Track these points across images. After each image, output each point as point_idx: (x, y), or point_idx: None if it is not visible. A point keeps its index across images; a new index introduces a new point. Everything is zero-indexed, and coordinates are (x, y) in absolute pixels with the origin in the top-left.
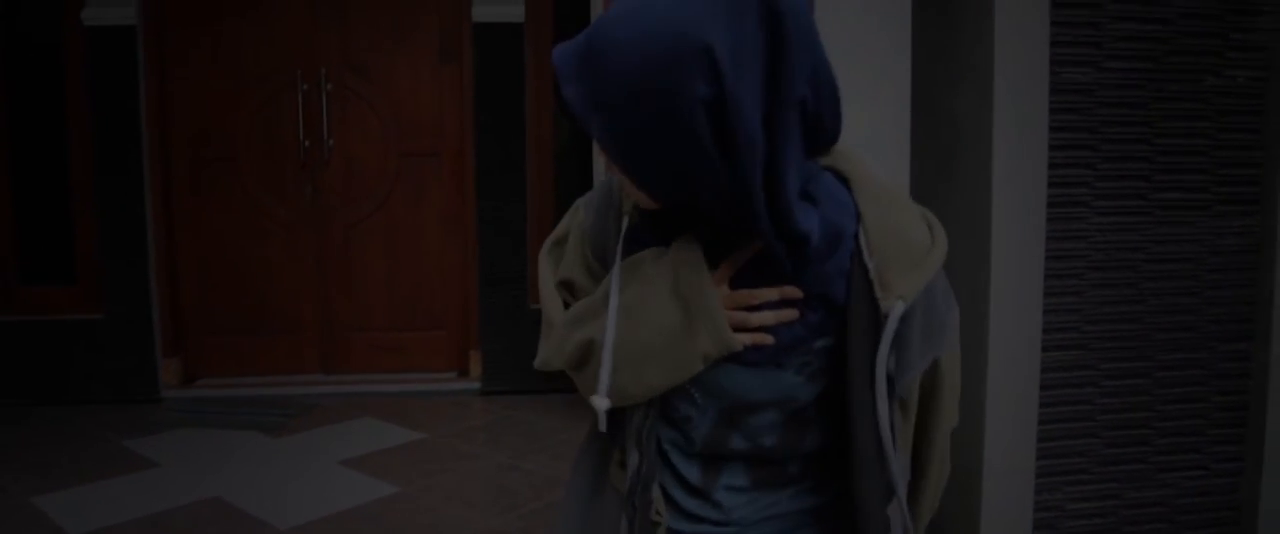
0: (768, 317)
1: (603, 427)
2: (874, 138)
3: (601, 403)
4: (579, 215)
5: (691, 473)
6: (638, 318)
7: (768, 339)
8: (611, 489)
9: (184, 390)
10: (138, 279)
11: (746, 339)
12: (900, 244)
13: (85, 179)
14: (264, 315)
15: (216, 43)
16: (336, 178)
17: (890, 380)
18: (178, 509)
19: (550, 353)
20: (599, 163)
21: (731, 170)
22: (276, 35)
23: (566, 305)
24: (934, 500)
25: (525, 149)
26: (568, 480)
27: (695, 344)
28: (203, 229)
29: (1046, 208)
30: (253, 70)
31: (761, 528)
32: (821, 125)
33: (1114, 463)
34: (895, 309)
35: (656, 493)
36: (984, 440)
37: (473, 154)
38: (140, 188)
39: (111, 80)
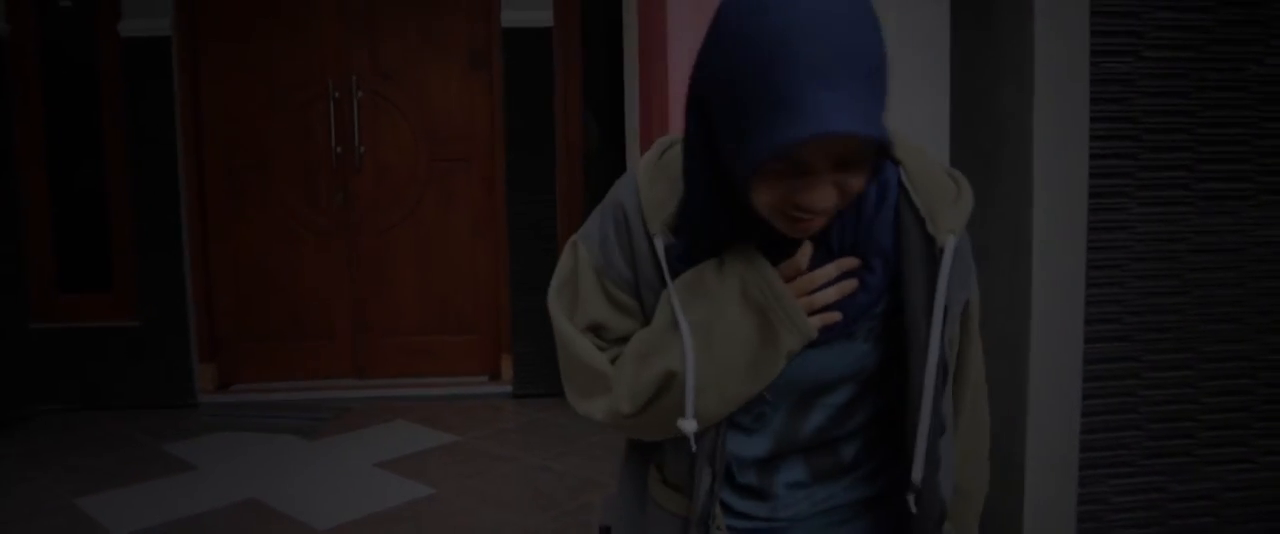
0: (831, 293)
1: (694, 447)
2: (914, 137)
3: (690, 425)
4: (580, 252)
5: (747, 476)
6: (713, 335)
7: (836, 316)
8: (654, 505)
9: (219, 395)
10: (173, 286)
11: (818, 322)
12: (937, 185)
13: (121, 188)
14: (297, 321)
15: (249, 52)
16: (368, 184)
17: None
18: (217, 510)
19: (621, 398)
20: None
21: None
22: (308, 44)
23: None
24: (976, 486)
25: (555, 153)
26: (615, 496)
27: (777, 345)
28: (237, 236)
29: (1088, 198)
30: (285, 79)
31: (814, 522)
32: None
33: (1158, 456)
34: (949, 242)
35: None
36: (1027, 432)
37: (503, 158)
38: (175, 196)
39: (146, 90)
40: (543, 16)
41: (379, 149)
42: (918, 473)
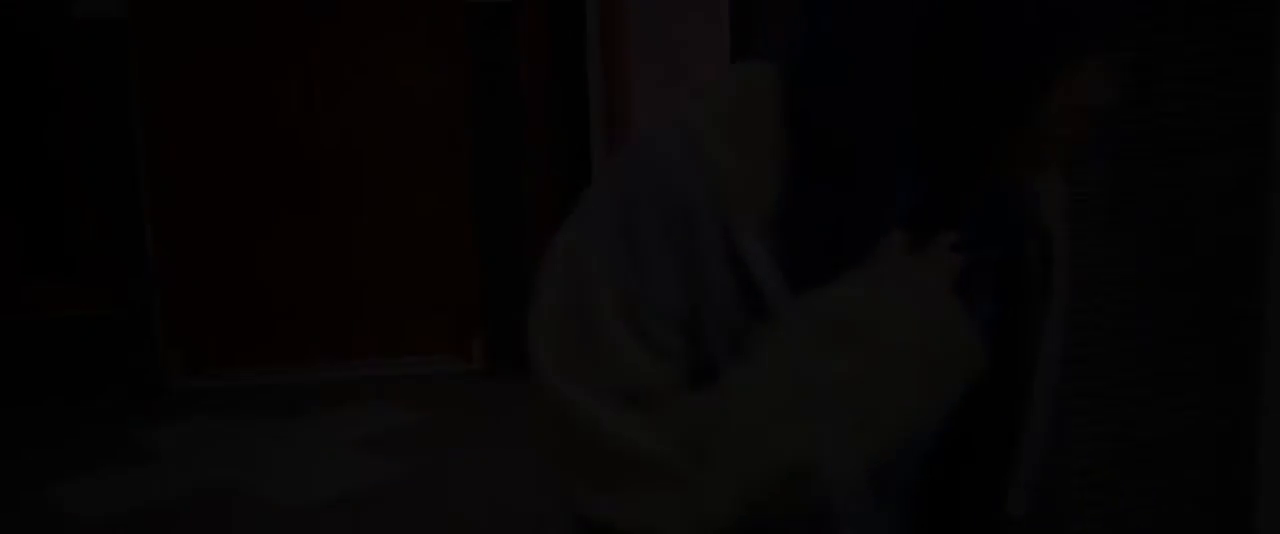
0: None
1: None
2: None
3: None
4: (592, 269)
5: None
6: (866, 398)
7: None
8: None
9: (188, 381)
10: (138, 273)
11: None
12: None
13: (81, 174)
14: (266, 303)
15: (207, 32)
16: (333, 164)
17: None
18: (189, 494)
19: (712, 500)
20: (599, 144)
21: None
22: (269, 23)
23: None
24: None
25: (523, 130)
26: None
27: (938, 396)
28: (201, 220)
29: None
30: (245, 59)
31: None
32: None
33: (1113, 403)
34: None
35: None
36: None
37: (469, 134)
38: (136, 181)
39: (103, 73)
40: None
41: (343, 127)
42: (1019, 506)
